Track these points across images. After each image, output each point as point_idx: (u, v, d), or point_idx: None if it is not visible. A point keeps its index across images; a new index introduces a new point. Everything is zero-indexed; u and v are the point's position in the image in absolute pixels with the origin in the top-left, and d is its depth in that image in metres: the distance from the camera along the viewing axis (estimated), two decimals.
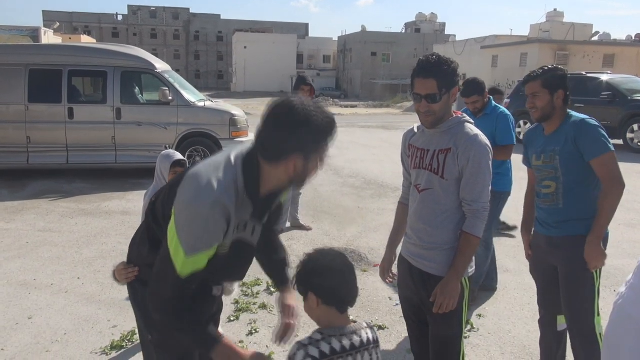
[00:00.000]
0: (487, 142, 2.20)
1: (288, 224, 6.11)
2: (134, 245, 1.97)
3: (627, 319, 1.26)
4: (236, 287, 2.24)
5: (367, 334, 1.68)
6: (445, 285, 2.19)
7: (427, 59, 2.17)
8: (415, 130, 2.42)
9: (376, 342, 1.71)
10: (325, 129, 1.59)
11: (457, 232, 2.24)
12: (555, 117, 2.67)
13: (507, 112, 4.16)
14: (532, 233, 2.97)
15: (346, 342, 1.61)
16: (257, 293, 4.31)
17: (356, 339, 1.64)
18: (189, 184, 1.60)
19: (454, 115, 2.26)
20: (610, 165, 2.54)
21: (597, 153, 2.53)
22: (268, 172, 1.64)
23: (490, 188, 2.22)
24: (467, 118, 2.30)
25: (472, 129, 2.23)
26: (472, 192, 2.17)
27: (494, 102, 4.21)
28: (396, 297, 4.32)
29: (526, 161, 2.96)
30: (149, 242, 1.86)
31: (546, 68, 2.70)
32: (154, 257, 1.70)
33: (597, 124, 2.59)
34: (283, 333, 1.97)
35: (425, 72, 2.14)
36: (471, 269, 2.31)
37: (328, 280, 1.63)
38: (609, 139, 2.56)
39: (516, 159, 3.65)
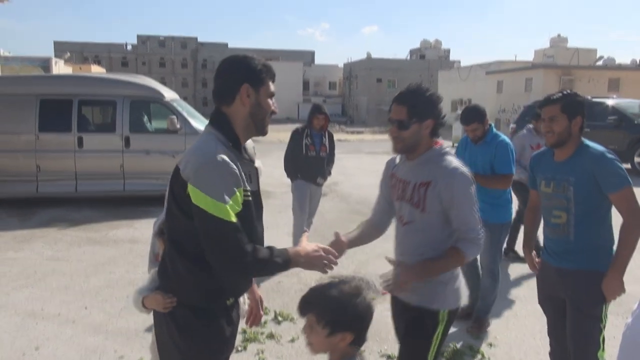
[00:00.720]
0: (467, 172, 2.17)
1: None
2: (167, 272, 1.93)
3: (635, 347, 1.27)
4: (246, 307, 2.24)
5: None
6: (412, 268, 2.17)
7: (407, 87, 2.23)
8: (397, 160, 2.40)
9: None
10: (264, 67, 1.89)
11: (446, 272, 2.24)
12: (570, 143, 2.60)
13: (508, 140, 4.11)
14: (533, 253, 2.97)
15: None
16: (265, 323, 4.27)
17: None
18: (189, 156, 1.79)
19: (435, 147, 2.23)
20: (630, 198, 2.50)
21: (618, 187, 2.49)
22: (233, 115, 1.88)
23: (478, 214, 2.17)
24: (447, 149, 2.26)
25: (451, 161, 2.18)
26: (466, 223, 2.14)
27: (494, 130, 4.18)
28: None
29: (532, 183, 2.92)
30: (180, 259, 1.85)
31: (565, 92, 2.63)
32: (193, 274, 1.82)
33: (615, 157, 2.54)
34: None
35: (400, 99, 2.18)
36: (455, 304, 2.25)
37: (368, 322, 1.65)
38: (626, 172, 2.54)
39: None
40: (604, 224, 2.59)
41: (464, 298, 2.28)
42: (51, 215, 8.29)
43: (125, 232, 7.36)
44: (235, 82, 1.86)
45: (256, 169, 2.00)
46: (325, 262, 1.94)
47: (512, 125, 15.98)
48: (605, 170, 2.49)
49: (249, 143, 11.15)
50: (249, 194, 1.84)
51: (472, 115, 4.06)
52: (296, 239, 5.76)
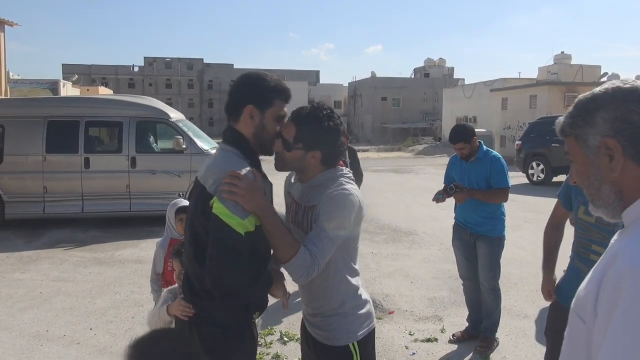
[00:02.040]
0: (353, 196, 1.91)
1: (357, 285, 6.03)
2: (194, 290, 1.90)
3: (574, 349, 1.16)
4: (261, 322, 2.21)
5: None
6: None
7: (308, 106, 1.97)
8: (292, 180, 2.19)
9: None
10: (274, 88, 1.86)
11: (340, 298, 1.98)
12: None
13: (499, 155, 4.15)
14: (554, 275, 2.74)
15: None
16: (271, 343, 4.23)
17: None
18: (215, 173, 1.77)
19: (330, 170, 1.98)
20: None
21: None
22: (242, 133, 1.87)
23: (329, 240, 1.84)
24: (345, 172, 2.00)
25: (342, 183, 1.93)
26: (311, 235, 1.87)
27: (485, 147, 4.18)
28: (413, 346, 4.21)
29: (566, 202, 2.67)
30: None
31: None
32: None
33: None
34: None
35: (295, 116, 1.94)
36: (361, 332, 2.01)
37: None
38: None
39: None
40: None
41: (372, 319, 2.07)
42: (58, 236, 8.30)
43: (132, 252, 7.35)
44: (240, 101, 1.86)
45: (271, 184, 1.98)
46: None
47: (517, 142, 15.96)
48: None
49: None
50: None
51: (459, 135, 4.05)
52: None
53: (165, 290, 2.57)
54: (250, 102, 1.85)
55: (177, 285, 2.56)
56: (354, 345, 1.99)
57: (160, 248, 3.41)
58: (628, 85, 1.08)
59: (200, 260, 1.81)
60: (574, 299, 1.13)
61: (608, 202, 1.11)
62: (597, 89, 1.13)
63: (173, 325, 2.07)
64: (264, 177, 1.91)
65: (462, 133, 4.04)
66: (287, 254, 1.79)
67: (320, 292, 1.99)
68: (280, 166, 2.00)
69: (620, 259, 0.97)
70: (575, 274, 2.50)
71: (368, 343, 2.05)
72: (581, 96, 1.17)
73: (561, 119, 1.20)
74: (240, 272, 1.72)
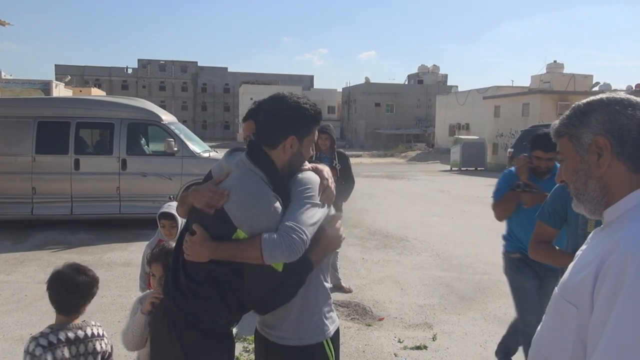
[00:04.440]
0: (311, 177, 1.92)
1: (329, 285, 5.99)
2: (183, 292, 1.85)
3: (539, 357, 1.26)
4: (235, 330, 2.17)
5: (92, 330, 2.26)
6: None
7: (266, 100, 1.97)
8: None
9: (100, 335, 2.28)
10: (314, 118, 1.89)
11: (312, 297, 1.93)
12: None
13: None
14: None
15: (71, 335, 2.18)
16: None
17: (80, 332, 2.21)
18: (240, 202, 1.77)
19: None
20: None
21: None
22: (273, 158, 1.87)
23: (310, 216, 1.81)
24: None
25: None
26: (292, 217, 1.79)
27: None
28: (402, 353, 4.18)
29: (552, 219, 2.56)
30: (197, 286, 1.84)
31: None
32: (211, 299, 1.81)
33: None
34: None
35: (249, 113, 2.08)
36: (332, 327, 1.97)
37: (51, 291, 2.25)
38: None
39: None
40: None
41: (335, 318, 2.03)
42: (46, 238, 8.21)
43: (120, 255, 7.27)
44: (283, 131, 1.85)
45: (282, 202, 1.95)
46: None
47: (509, 150, 16.04)
48: None
49: None
50: None
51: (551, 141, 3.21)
52: None
53: (135, 300, 2.54)
54: (292, 134, 1.86)
55: (148, 291, 2.59)
56: (328, 341, 1.95)
57: (147, 248, 3.37)
58: (619, 95, 1.25)
59: (192, 272, 1.84)
60: (560, 286, 1.23)
61: (592, 196, 1.23)
62: (592, 97, 1.27)
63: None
64: (281, 197, 1.81)
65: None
66: (255, 251, 1.72)
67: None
68: None
69: (623, 245, 1.04)
70: None
71: (336, 342, 2.01)
72: (578, 102, 1.30)
73: (556, 122, 1.32)
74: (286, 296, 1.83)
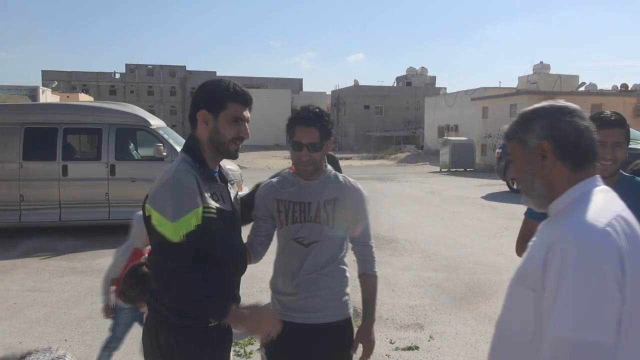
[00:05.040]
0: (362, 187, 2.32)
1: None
2: (151, 292, 1.95)
3: (504, 342, 1.39)
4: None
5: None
6: (368, 333, 2.25)
7: (308, 109, 2.19)
8: (278, 185, 2.25)
9: None
10: (225, 90, 1.87)
11: (343, 279, 2.26)
12: (616, 173, 2.27)
13: None
14: None
15: None
16: (251, 353, 4.18)
17: None
18: (156, 180, 1.85)
19: (326, 167, 2.28)
20: None
21: None
22: (199, 139, 1.91)
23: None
24: (332, 170, 2.30)
25: (347, 178, 2.31)
26: (365, 233, 2.31)
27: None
28: (394, 354, 4.19)
29: (536, 213, 2.55)
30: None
31: (619, 114, 2.29)
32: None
33: None
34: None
35: (308, 121, 2.12)
36: (351, 307, 2.30)
37: None
38: None
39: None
40: None
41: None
42: (34, 245, 8.13)
43: (109, 261, 7.21)
44: (194, 107, 1.91)
45: (227, 189, 2.01)
46: (269, 331, 1.89)
47: (497, 150, 16.14)
48: None
49: (233, 168, 11.21)
50: (214, 211, 1.85)
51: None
52: None
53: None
54: (202, 107, 1.88)
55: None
56: (353, 316, 2.29)
57: (122, 256, 3.38)
58: (560, 104, 1.41)
59: (152, 263, 1.93)
60: (517, 273, 1.38)
61: (539, 193, 1.41)
62: (537, 105, 1.45)
63: None
64: (214, 180, 1.93)
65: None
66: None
67: (333, 275, 2.22)
68: (311, 170, 2.17)
69: (566, 231, 1.22)
70: None
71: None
72: (524, 109, 1.47)
73: (506, 126, 1.49)
74: (178, 281, 1.76)
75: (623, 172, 2.32)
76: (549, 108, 1.40)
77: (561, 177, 1.36)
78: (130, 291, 2.53)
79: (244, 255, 2.07)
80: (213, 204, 1.86)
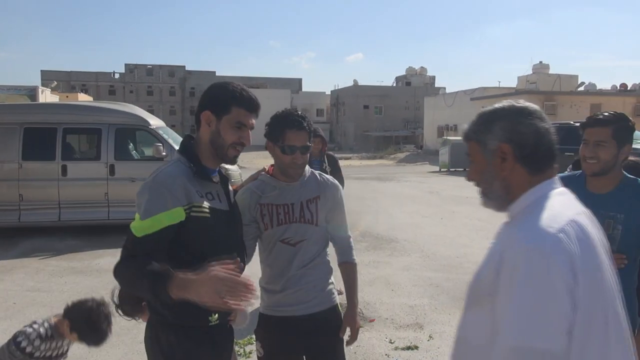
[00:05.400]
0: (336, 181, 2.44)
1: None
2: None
3: (466, 346, 1.38)
4: (247, 319, 2.14)
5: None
6: (354, 317, 2.39)
7: (293, 113, 2.26)
8: (259, 191, 2.29)
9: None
10: (231, 94, 1.86)
11: (328, 270, 2.39)
12: (613, 174, 2.25)
13: None
14: None
15: None
16: (250, 352, 4.18)
17: None
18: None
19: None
20: None
21: None
22: (200, 140, 1.91)
23: None
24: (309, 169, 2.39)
25: (323, 175, 2.42)
26: (343, 225, 2.43)
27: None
28: (393, 354, 4.20)
29: None
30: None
31: (616, 114, 2.25)
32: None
33: None
34: None
35: (300, 125, 2.19)
36: (336, 295, 2.44)
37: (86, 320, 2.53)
38: None
39: None
40: (635, 272, 2.25)
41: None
42: (34, 245, 8.13)
43: (109, 261, 7.21)
44: (200, 106, 1.91)
45: (226, 190, 2.01)
46: (228, 290, 1.57)
47: None
48: None
49: (233, 167, 11.17)
50: (206, 210, 1.84)
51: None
52: None
53: None
54: (206, 108, 1.88)
55: None
56: (339, 304, 2.42)
57: None
58: (520, 104, 1.39)
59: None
60: (473, 278, 1.38)
61: (498, 195, 1.39)
62: (497, 105, 1.42)
63: None
64: (208, 179, 1.92)
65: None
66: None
67: (320, 268, 2.34)
68: (302, 172, 2.30)
69: (517, 240, 1.22)
70: None
71: None
72: (483, 109, 1.45)
73: (465, 126, 1.47)
74: (120, 265, 1.79)
75: (627, 174, 2.28)
76: (509, 109, 1.39)
77: (520, 179, 1.35)
78: (124, 305, 2.50)
79: (242, 255, 2.08)
80: (205, 203, 1.85)
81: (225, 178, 2.05)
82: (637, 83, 31.62)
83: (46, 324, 2.54)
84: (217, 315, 1.88)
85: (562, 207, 1.30)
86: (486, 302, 1.27)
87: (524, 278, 1.17)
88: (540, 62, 38.04)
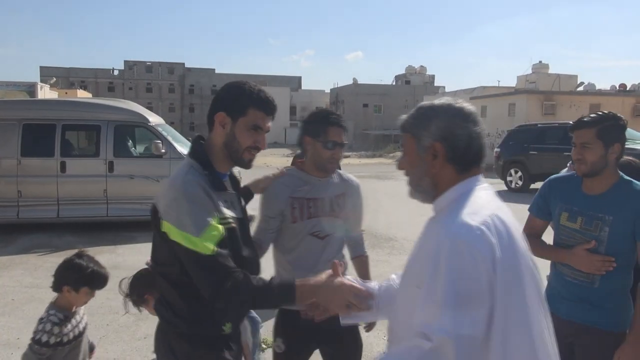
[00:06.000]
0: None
1: None
2: (162, 302, 1.84)
3: (393, 332, 1.47)
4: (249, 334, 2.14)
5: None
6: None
7: (331, 111, 2.43)
8: (291, 184, 2.35)
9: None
10: (248, 95, 1.75)
11: (345, 264, 2.39)
12: (606, 175, 2.23)
13: None
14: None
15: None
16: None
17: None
18: (162, 190, 1.75)
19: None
20: None
21: None
22: (212, 143, 1.81)
23: None
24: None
25: (347, 174, 2.57)
26: (359, 222, 2.59)
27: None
28: None
29: (540, 211, 2.49)
30: (169, 287, 1.80)
31: (603, 114, 2.25)
32: (183, 301, 1.75)
33: None
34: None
35: (340, 122, 2.34)
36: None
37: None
38: None
39: None
40: (629, 273, 2.25)
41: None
42: (32, 242, 8.12)
43: (108, 258, 7.21)
44: (213, 108, 1.80)
45: (238, 196, 1.93)
46: (351, 302, 1.63)
47: (496, 150, 16.14)
48: None
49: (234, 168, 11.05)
50: (231, 220, 1.76)
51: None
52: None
53: None
54: (221, 109, 1.77)
55: None
56: None
57: None
58: (458, 105, 1.44)
59: (162, 273, 1.81)
60: (404, 270, 1.45)
61: (425, 189, 1.46)
62: (436, 101, 1.47)
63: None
64: (223, 188, 1.81)
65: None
66: None
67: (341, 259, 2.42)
68: (335, 168, 2.41)
69: (444, 231, 1.29)
70: (558, 278, 2.39)
71: None
72: (423, 103, 1.50)
73: (404, 117, 1.51)
74: (219, 289, 1.62)
75: (623, 176, 2.28)
76: (447, 109, 1.43)
77: (448, 177, 1.41)
78: (132, 295, 2.55)
79: (258, 262, 2.01)
80: (228, 212, 1.77)
81: (235, 179, 1.97)
82: (637, 83, 31.65)
83: (51, 311, 2.55)
84: (229, 324, 1.83)
85: (484, 201, 1.37)
86: (415, 294, 1.33)
87: (451, 268, 1.23)
88: (540, 61, 38.09)
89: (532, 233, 2.52)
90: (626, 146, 2.31)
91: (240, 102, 1.76)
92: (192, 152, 1.83)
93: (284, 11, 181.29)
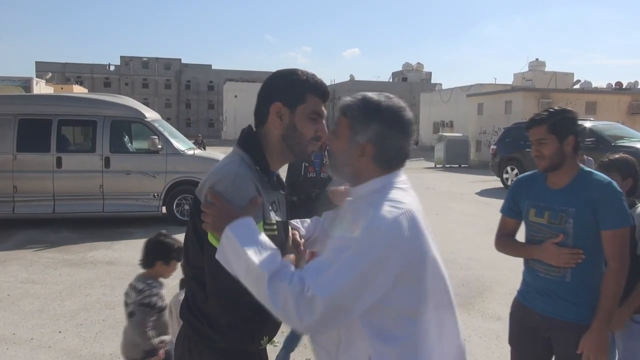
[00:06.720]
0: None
1: None
2: (192, 311, 1.62)
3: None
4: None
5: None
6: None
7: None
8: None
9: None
10: (305, 81, 1.60)
11: None
12: (566, 168, 2.30)
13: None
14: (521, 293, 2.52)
15: None
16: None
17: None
18: (206, 181, 1.55)
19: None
20: (625, 242, 2.21)
21: (618, 225, 2.18)
22: (266, 137, 1.63)
23: None
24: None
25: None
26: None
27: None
28: None
29: (511, 211, 2.56)
30: (207, 298, 1.57)
31: (552, 110, 2.34)
32: (225, 311, 1.53)
33: (620, 190, 2.26)
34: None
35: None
36: None
37: None
38: None
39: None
40: (599, 265, 2.28)
41: None
42: (28, 237, 8.10)
43: (104, 253, 7.21)
44: (266, 99, 1.61)
45: (285, 196, 1.76)
46: None
47: (492, 147, 16.19)
48: (610, 204, 2.19)
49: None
50: (274, 227, 1.58)
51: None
52: None
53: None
54: (277, 99, 1.58)
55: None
56: None
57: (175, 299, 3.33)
58: (401, 111, 1.50)
59: (198, 281, 1.58)
60: (334, 239, 1.46)
61: (345, 176, 1.54)
62: (383, 100, 1.50)
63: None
64: (275, 187, 1.67)
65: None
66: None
67: None
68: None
69: (362, 221, 1.35)
70: (531, 275, 2.43)
71: None
72: (371, 96, 1.51)
73: (348, 99, 1.52)
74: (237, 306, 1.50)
75: (583, 167, 2.35)
76: (390, 114, 1.48)
77: (370, 171, 1.49)
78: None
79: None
80: (274, 217, 1.60)
81: (280, 179, 1.78)
82: (633, 81, 31.73)
83: (149, 281, 2.85)
84: (266, 337, 1.63)
85: (399, 196, 1.44)
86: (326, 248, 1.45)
87: (358, 250, 1.32)
88: (537, 59, 38.15)
89: (505, 233, 2.62)
90: (623, 144, 2.35)
91: (297, 88, 1.59)
92: (244, 143, 1.63)
93: (281, 7, 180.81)
